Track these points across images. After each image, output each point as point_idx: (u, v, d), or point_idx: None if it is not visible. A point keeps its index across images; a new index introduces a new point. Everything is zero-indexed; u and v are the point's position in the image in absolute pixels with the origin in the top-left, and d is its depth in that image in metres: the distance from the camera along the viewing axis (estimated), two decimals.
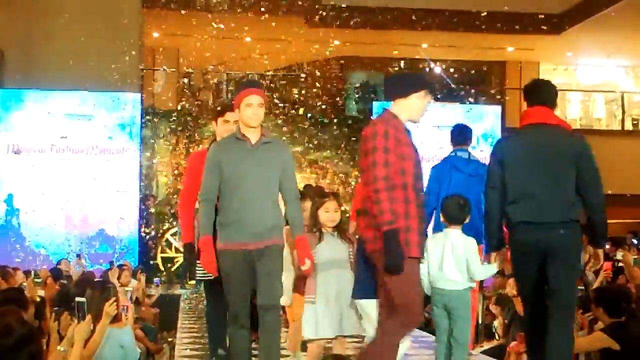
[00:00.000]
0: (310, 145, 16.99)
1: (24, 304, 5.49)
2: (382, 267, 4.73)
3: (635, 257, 9.04)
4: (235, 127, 5.50)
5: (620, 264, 9.12)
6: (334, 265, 5.57)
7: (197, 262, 5.61)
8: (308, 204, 5.91)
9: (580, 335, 6.63)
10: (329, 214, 5.69)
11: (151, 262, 15.37)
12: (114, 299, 5.69)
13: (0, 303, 5.21)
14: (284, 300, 5.72)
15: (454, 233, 5.58)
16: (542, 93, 5.38)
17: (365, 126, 5.12)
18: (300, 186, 16.43)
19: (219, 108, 6.15)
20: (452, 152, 7.24)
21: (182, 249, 6.47)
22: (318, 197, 5.86)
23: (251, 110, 5.27)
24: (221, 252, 5.23)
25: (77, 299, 5.01)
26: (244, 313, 5.26)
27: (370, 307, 5.31)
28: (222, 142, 5.54)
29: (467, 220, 5.61)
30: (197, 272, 5.87)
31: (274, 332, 5.30)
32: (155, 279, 14.24)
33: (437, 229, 6.23)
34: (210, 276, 5.47)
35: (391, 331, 4.81)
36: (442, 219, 5.70)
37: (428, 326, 7.81)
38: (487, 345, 8.26)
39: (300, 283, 5.75)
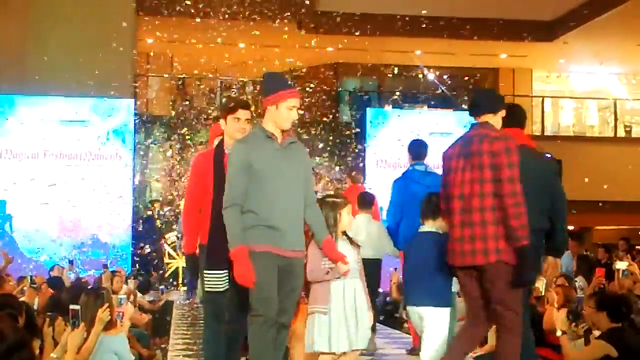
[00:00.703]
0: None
1: (18, 310, 5.48)
2: (504, 279, 4.93)
3: (625, 265, 9.09)
4: (253, 126, 5.28)
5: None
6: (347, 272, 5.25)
7: (210, 272, 5.27)
8: None
9: (577, 345, 6.63)
10: (349, 217, 5.45)
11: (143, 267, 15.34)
12: (107, 305, 5.68)
13: None
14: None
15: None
16: (520, 115, 5.75)
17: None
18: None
19: (231, 104, 5.60)
20: (410, 167, 7.70)
21: (180, 258, 6.39)
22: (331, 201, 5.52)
23: (292, 113, 5.10)
24: (257, 255, 4.88)
25: (72, 306, 5.00)
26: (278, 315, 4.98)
27: (437, 315, 5.42)
28: (249, 141, 5.07)
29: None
30: (208, 283, 5.34)
31: (283, 349, 5.21)
32: (161, 287, 14.22)
33: (404, 241, 6.66)
34: (222, 289, 5.23)
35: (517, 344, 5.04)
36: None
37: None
38: (480, 352, 8.25)
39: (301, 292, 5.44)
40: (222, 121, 5.60)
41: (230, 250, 4.88)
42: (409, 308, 5.78)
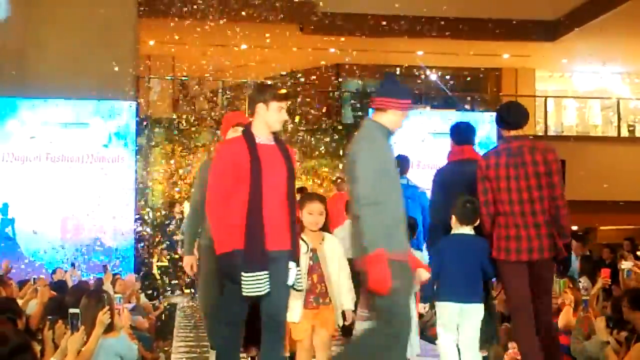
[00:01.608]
0: (306, 152, 16.98)
1: (18, 314, 5.45)
2: (552, 272, 5.92)
3: (630, 265, 9.05)
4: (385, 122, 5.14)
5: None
6: None
7: (251, 274, 4.90)
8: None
9: (587, 346, 6.57)
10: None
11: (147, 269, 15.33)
12: (107, 307, 5.64)
13: None
14: (292, 317, 5.37)
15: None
16: (470, 132, 6.62)
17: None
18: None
19: (278, 91, 5.39)
20: None
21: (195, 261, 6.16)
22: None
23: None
24: (397, 264, 4.73)
25: (71, 310, 4.96)
26: None
27: (478, 310, 5.79)
28: (384, 133, 5.08)
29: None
30: (249, 287, 4.92)
31: None
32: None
33: None
34: (263, 293, 4.92)
35: None
36: None
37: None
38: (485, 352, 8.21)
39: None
40: (261, 107, 5.20)
41: (369, 253, 4.69)
42: (443, 304, 5.93)
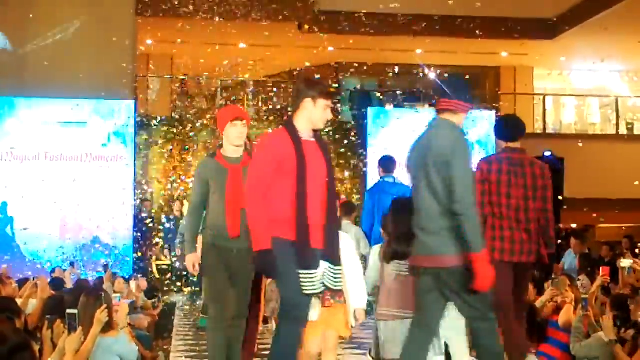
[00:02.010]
0: None
1: (16, 313, 5.45)
2: (528, 276, 6.67)
3: (630, 263, 9.05)
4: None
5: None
6: None
7: (306, 272, 4.85)
8: None
9: (583, 346, 6.56)
10: None
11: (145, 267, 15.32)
12: (105, 306, 5.63)
13: None
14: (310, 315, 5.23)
15: None
16: None
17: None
18: None
19: (326, 87, 5.34)
20: (380, 178, 9.27)
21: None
22: None
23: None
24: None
25: (69, 310, 4.95)
26: None
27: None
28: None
29: None
30: (307, 285, 4.88)
31: None
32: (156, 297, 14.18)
33: (377, 242, 7.10)
34: (319, 291, 4.94)
35: None
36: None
37: None
38: None
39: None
40: (308, 102, 5.08)
41: (478, 252, 4.76)
42: None
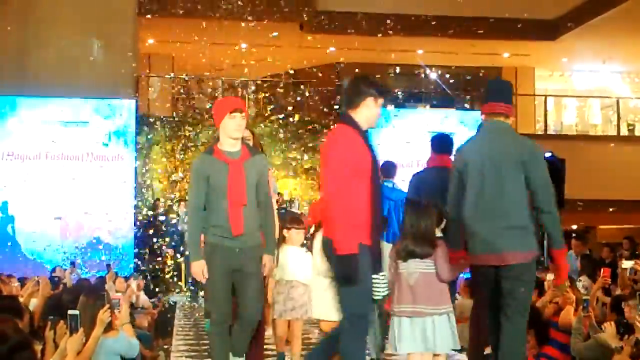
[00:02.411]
0: (306, 151, 16.98)
1: (20, 313, 5.44)
2: None
3: (631, 264, 9.04)
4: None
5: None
6: None
7: (377, 276, 4.81)
8: None
9: (586, 347, 6.54)
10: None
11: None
12: (107, 306, 5.62)
13: None
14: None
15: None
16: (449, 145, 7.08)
17: None
18: (297, 192, 16.49)
19: (383, 87, 5.24)
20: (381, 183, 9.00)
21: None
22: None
23: None
24: None
25: (70, 311, 4.93)
26: None
27: None
28: None
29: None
30: (380, 289, 4.86)
31: None
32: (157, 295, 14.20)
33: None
34: (386, 294, 4.92)
35: None
36: None
37: None
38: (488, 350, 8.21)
39: None
40: (370, 101, 5.02)
41: (560, 248, 5.09)
42: None
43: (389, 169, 9.20)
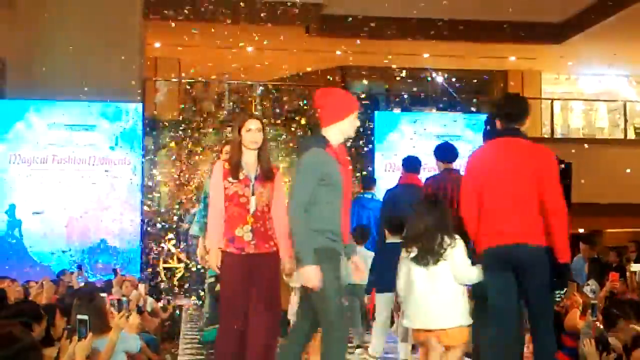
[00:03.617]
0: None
1: (38, 317, 5.44)
2: None
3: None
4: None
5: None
6: None
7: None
8: None
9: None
10: None
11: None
12: (123, 312, 5.67)
13: (15, 315, 5.19)
14: None
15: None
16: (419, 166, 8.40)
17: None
18: None
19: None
20: (360, 194, 10.63)
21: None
22: None
23: None
24: None
25: (79, 316, 4.93)
26: None
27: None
28: None
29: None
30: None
31: None
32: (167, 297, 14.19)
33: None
34: None
35: None
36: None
37: None
38: None
39: None
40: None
41: None
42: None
43: (368, 182, 10.82)
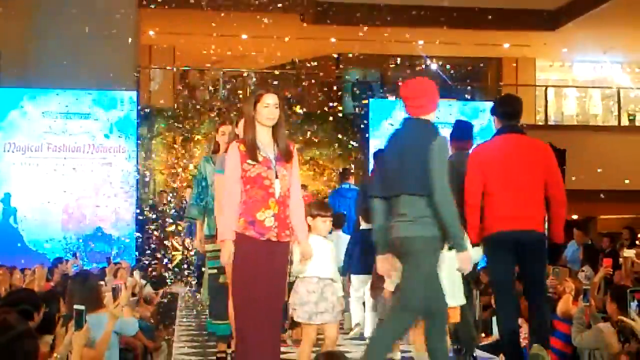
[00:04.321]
0: (307, 142, 16.99)
1: (36, 305, 5.44)
2: None
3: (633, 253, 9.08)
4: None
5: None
6: None
7: None
8: None
9: (585, 337, 6.57)
10: None
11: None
12: (118, 301, 5.69)
13: (13, 303, 5.21)
14: None
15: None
16: None
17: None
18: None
19: None
20: (340, 185, 11.81)
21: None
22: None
23: None
24: None
25: (76, 306, 4.91)
26: None
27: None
28: None
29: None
30: None
31: None
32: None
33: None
34: None
35: None
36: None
37: None
38: (484, 341, 8.25)
39: None
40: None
41: None
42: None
43: (345, 174, 11.79)
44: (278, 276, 5.24)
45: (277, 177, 5.19)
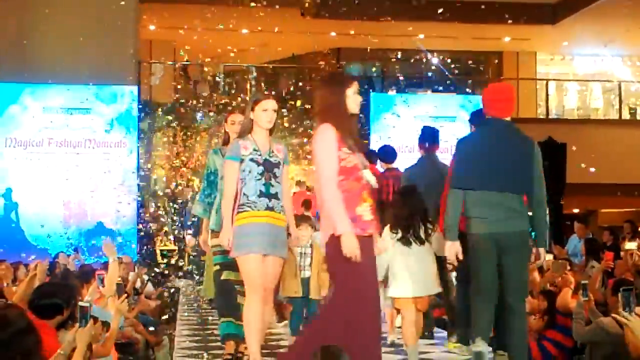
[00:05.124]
0: (307, 137, 16.98)
1: (67, 300, 5.36)
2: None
3: (634, 246, 9.07)
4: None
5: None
6: None
7: None
8: None
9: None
10: None
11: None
12: (124, 296, 5.68)
13: (45, 295, 5.18)
14: None
15: None
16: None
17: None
18: (300, 177, 16.53)
19: None
20: None
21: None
22: None
23: None
24: None
25: (81, 303, 4.90)
26: None
27: None
28: None
29: None
30: None
31: None
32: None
33: None
34: None
35: None
36: None
37: None
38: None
39: None
40: None
41: None
42: None
43: None
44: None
45: (365, 167, 4.98)
